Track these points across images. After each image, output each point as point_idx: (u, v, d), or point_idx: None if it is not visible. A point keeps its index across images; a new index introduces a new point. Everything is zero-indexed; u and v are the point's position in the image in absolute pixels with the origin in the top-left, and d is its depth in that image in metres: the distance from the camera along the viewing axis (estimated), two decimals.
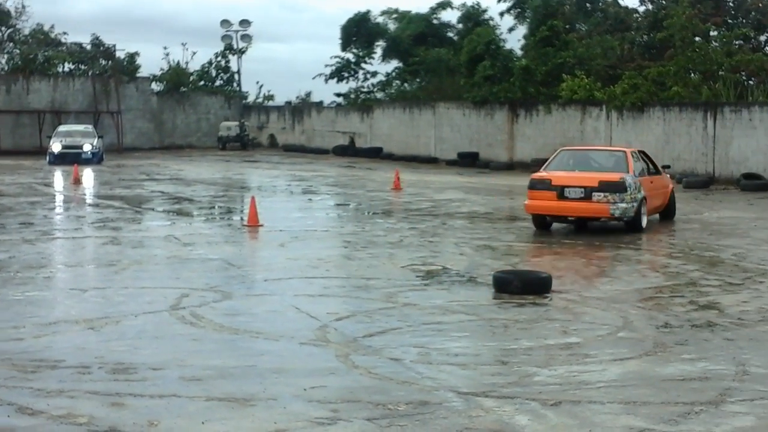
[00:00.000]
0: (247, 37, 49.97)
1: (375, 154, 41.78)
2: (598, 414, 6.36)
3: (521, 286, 10.51)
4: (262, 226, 16.63)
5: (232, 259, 13.15)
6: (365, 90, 49.38)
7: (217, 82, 53.45)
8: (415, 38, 46.96)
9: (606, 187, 15.86)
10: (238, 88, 52.30)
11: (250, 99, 54.32)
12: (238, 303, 10.18)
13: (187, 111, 50.40)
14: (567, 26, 37.35)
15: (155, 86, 50.82)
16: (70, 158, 33.68)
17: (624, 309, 9.87)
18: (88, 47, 49.26)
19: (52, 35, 50.38)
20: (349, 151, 43.75)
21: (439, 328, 8.96)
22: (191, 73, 52.55)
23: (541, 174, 16.71)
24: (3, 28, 49.76)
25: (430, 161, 38.63)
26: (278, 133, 51.38)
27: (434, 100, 40.47)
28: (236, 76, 52.09)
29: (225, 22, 49.55)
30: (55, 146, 35.67)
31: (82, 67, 49.19)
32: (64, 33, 51.08)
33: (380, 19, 50.03)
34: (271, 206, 20.39)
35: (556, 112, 33.90)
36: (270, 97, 54.83)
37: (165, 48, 58.36)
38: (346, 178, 30.15)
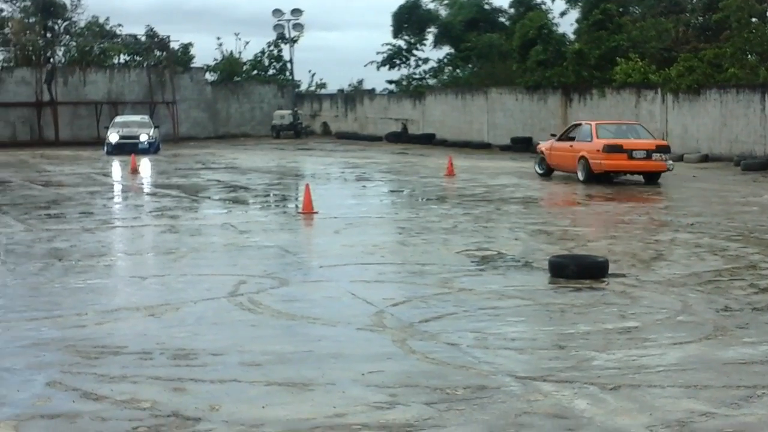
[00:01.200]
0: (298, 26, 50.15)
1: (427, 140, 41.72)
2: (658, 398, 6.31)
3: (577, 271, 10.45)
4: (316, 213, 16.73)
5: (288, 246, 13.26)
6: (417, 77, 49.32)
7: (270, 72, 53.77)
8: (466, 24, 46.76)
9: (661, 149, 22.32)
10: (290, 77, 52.55)
11: (303, 87, 54.58)
12: (294, 289, 10.26)
13: (241, 100, 50.77)
14: (620, 9, 36.93)
15: (209, 76, 51.32)
16: (128, 148, 34.13)
17: (683, 293, 9.77)
18: (143, 39, 49.84)
19: (108, 27, 51.12)
20: (401, 137, 43.76)
21: (495, 313, 8.95)
22: (244, 63, 52.95)
23: (612, 141, 22.15)
24: (59, 21, 50.56)
25: (483, 147, 38.49)
26: (331, 120, 51.54)
27: (486, 86, 40.29)
28: (289, 65, 52.37)
29: (277, 12, 49.78)
30: (113, 137, 36.16)
31: (138, 58, 49.84)
32: (119, 25, 51.88)
33: (431, 6, 49.95)
34: (326, 193, 20.49)
35: (610, 95, 33.55)
36: (322, 86, 55.07)
37: (218, 38, 59.06)
38: (400, 164, 30.16)
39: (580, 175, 22.24)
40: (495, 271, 11.21)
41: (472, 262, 11.85)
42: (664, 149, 22.32)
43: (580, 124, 24.20)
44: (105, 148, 36.26)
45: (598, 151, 21.75)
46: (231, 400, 6.35)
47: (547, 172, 24.25)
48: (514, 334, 8.11)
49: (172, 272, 11.26)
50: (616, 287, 10.10)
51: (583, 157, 22.16)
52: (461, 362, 7.20)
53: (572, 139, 23.35)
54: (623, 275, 10.71)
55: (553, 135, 25.46)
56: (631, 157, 21.62)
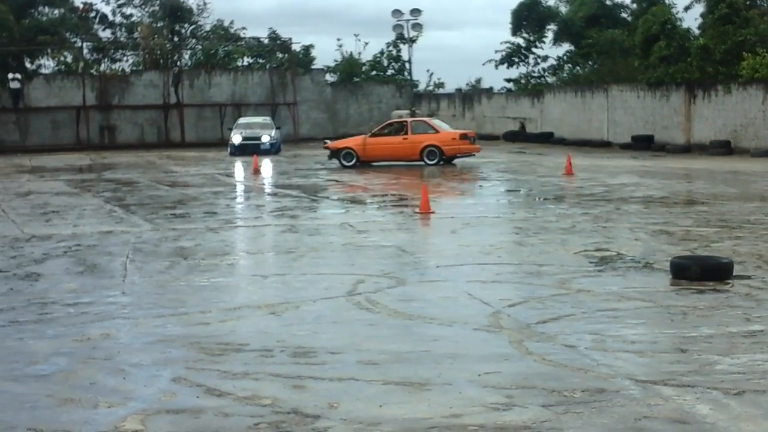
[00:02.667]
0: (417, 26, 50.30)
1: (546, 139, 41.28)
2: None
3: (700, 272, 10.20)
4: (433, 213, 16.77)
5: (405, 246, 13.34)
6: (536, 75, 48.84)
7: (389, 72, 54.07)
8: (587, 20, 46.07)
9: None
10: (409, 77, 52.75)
11: (421, 87, 54.69)
12: (411, 289, 10.33)
13: (360, 101, 51.23)
14: (747, 2, 35.75)
15: (329, 77, 51.92)
16: (250, 149, 34.83)
17: None
18: (266, 41, 50.82)
19: (232, 31, 52.36)
20: (519, 136, 43.41)
21: (614, 315, 8.82)
22: (364, 64, 53.40)
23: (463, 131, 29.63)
24: (186, 25, 52.05)
25: (602, 145, 37.86)
26: (448, 120, 51.49)
27: (607, 83, 39.62)
28: (407, 65, 52.58)
29: (396, 12, 50.05)
30: (236, 138, 36.97)
31: (261, 60, 50.83)
32: (243, 28, 53.08)
33: (551, 2, 49.38)
34: (442, 193, 20.51)
35: (736, 92, 32.56)
36: (440, 85, 55.06)
37: (338, 40, 59.51)
38: (517, 163, 29.96)
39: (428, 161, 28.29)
40: (614, 272, 11.04)
41: (591, 262, 11.70)
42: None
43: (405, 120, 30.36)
44: (228, 149, 37.09)
45: (453, 139, 28.74)
46: (349, 398, 6.44)
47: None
48: (633, 337, 7.98)
49: (292, 271, 11.47)
50: (741, 289, 9.82)
51: (432, 145, 28.38)
52: (579, 364, 7.14)
53: (390, 134, 29.15)
54: (749, 277, 10.40)
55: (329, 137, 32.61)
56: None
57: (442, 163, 28.61)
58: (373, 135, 29.61)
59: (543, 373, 6.95)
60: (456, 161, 29.40)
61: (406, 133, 28.88)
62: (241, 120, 39.84)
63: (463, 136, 29.39)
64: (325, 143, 31.17)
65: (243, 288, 10.62)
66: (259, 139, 36.64)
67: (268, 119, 40.01)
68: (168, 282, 10.91)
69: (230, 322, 8.80)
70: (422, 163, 28.43)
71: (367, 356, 7.48)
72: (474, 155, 29.88)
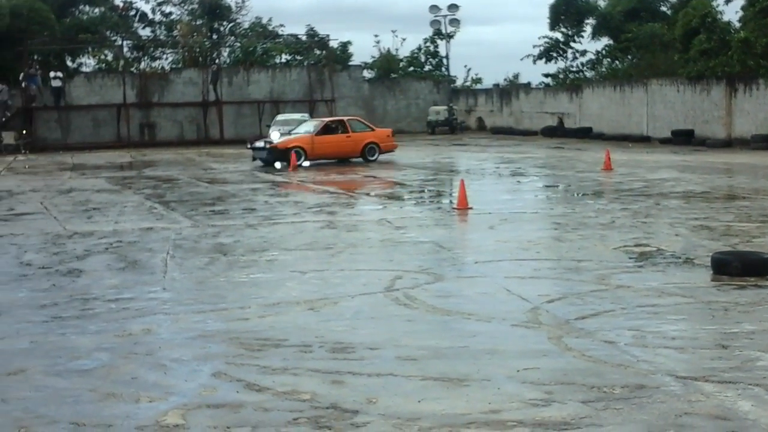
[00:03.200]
0: (455, 22, 50.17)
1: (584, 134, 41.03)
2: None
3: (742, 268, 10.10)
4: (471, 208, 16.74)
5: (442, 242, 13.34)
6: (574, 69, 48.55)
7: (426, 68, 54.00)
8: (626, 14, 45.70)
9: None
10: (446, 73, 52.66)
11: (458, 83, 54.57)
12: (449, 285, 10.33)
13: (397, 97, 51.21)
14: None
15: (367, 74, 51.95)
16: None
17: None
18: (304, 38, 50.96)
19: (270, 28, 52.57)
20: (557, 131, 43.19)
21: (654, 311, 8.76)
22: (401, 60, 53.37)
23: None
24: (225, 23, 52.36)
25: (642, 140, 37.54)
26: (486, 115, 51.36)
27: (646, 77, 39.28)
28: (445, 61, 52.48)
29: (434, 8, 49.95)
30: (274, 134, 37.06)
31: (298, 57, 50.98)
32: (281, 25, 53.28)
33: None
34: (480, 189, 20.48)
35: None
36: (478, 80, 54.89)
37: (376, 36, 59.41)
38: (555, 159, 29.81)
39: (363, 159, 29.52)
40: (654, 268, 10.96)
41: (630, 258, 11.62)
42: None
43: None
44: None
45: (387, 136, 30.69)
46: (387, 393, 6.47)
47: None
48: (674, 333, 7.93)
49: (331, 267, 11.51)
50: None
51: (372, 142, 29.87)
52: (619, 360, 7.10)
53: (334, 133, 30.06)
54: None
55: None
56: None
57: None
58: (318, 134, 30.21)
59: (582, 369, 6.92)
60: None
61: (348, 132, 30.21)
62: (279, 117, 39.95)
63: (392, 134, 31.80)
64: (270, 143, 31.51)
65: (282, 284, 10.67)
66: None
67: (306, 116, 40.10)
68: (208, 278, 11.00)
69: (269, 318, 8.85)
70: (361, 159, 29.73)
71: (406, 352, 7.49)
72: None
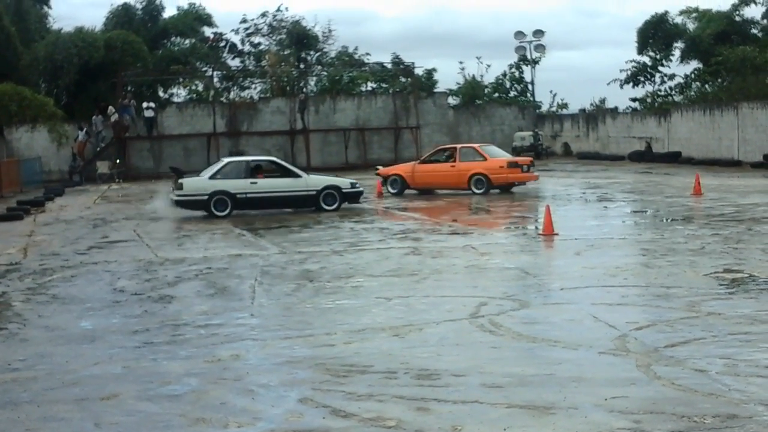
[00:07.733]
0: (540, 47, 50.03)
1: (673, 158, 40.34)
2: None
3: None
4: (557, 234, 16.61)
5: (528, 268, 13.26)
6: (662, 93, 47.87)
7: (511, 93, 53.85)
8: (715, 37, 44.94)
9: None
10: (531, 98, 52.42)
11: (544, 108, 54.28)
12: (535, 311, 10.26)
13: (482, 123, 51.12)
14: None
15: (452, 100, 52.04)
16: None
17: None
18: (389, 66, 51.36)
19: (356, 57, 53.16)
20: (645, 156, 42.55)
21: (746, 339, 8.57)
22: (486, 86, 53.33)
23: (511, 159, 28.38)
24: (312, 53, 53.13)
25: (732, 164, 36.75)
26: (572, 140, 50.92)
27: (737, 101, 38.51)
28: (530, 86, 52.28)
29: (519, 34, 49.92)
30: None
31: (384, 85, 51.37)
32: (367, 54, 53.86)
33: (678, 20, 48.37)
34: (566, 215, 20.30)
35: None
36: (564, 106, 54.50)
37: (461, 62, 59.54)
38: (643, 184, 29.37)
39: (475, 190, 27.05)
40: (746, 295, 10.72)
41: (721, 285, 11.39)
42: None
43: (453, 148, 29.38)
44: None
45: (501, 167, 27.28)
46: (473, 421, 6.45)
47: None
48: (767, 362, 7.74)
49: (416, 293, 11.54)
50: None
51: (479, 173, 27.13)
52: (710, 389, 6.96)
53: (438, 161, 28.50)
54: None
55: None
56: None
57: (496, 191, 27.41)
58: (422, 162, 28.97)
59: (672, 398, 6.81)
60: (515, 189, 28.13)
61: (455, 161, 27.90)
62: None
63: (512, 164, 27.83)
64: (377, 170, 31.02)
65: (367, 310, 10.73)
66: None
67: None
68: (295, 304, 11.13)
69: (355, 344, 8.91)
70: (470, 192, 27.11)
71: (491, 379, 7.47)
72: (525, 184, 28.56)
